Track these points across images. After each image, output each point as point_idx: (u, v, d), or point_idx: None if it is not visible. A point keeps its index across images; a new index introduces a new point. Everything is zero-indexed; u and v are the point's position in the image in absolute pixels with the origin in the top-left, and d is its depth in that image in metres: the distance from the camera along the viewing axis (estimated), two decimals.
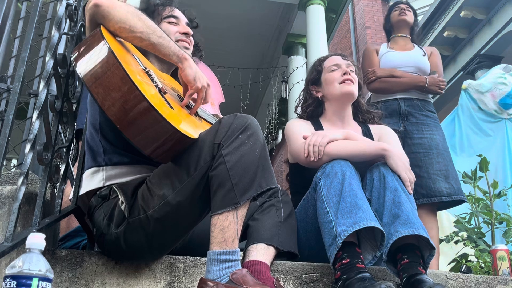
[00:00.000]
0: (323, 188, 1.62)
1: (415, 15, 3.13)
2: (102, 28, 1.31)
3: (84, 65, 1.24)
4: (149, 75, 1.37)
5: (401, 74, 2.78)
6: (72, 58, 1.30)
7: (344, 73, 2.03)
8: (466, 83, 4.08)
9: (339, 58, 2.11)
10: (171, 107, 1.32)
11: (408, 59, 2.87)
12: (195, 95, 1.45)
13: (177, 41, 1.64)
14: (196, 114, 1.53)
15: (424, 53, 2.95)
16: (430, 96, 2.88)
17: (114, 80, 1.20)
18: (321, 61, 2.17)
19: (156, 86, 1.35)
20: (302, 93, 2.23)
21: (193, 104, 1.47)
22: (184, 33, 1.69)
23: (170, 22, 1.69)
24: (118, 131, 1.23)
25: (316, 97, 2.10)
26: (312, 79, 2.15)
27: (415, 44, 3.02)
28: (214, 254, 1.23)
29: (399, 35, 3.05)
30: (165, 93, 1.36)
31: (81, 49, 1.29)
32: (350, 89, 2.01)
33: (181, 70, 1.42)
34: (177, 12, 1.73)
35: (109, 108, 1.21)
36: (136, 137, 1.23)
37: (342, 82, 2.01)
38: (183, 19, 1.73)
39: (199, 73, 1.44)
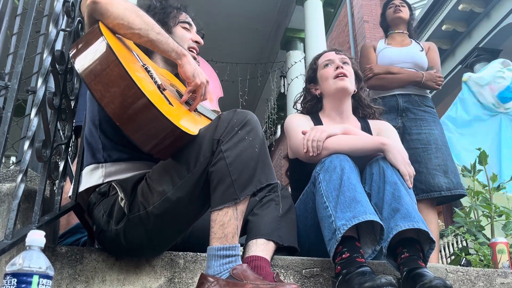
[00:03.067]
0: (322, 182, 1.62)
1: (411, 9, 3.11)
2: (100, 24, 1.31)
3: (83, 62, 1.24)
4: (148, 71, 1.37)
5: (397, 70, 2.78)
6: (70, 55, 1.29)
7: (337, 68, 2.03)
8: (467, 76, 4.11)
9: (333, 54, 2.11)
10: (170, 103, 1.32)
11: (405, 55, 2.86)
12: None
13: (189, 48, 1.67)
14: (195, 110, 1.52)
15: (422, 48, 2.94)
16: (428, 91, 2.88)
17: (113, 77, 1.19)
18: (315, 59, 2.18)
19: (155, 82, 1.35)
20: (302, 91, 2.23)
21: (193, 100, 1.47)
22: (196, 42, 1.72)
23: (185, 28, 1.72)
24: (118, 127, 1.23)
25: (315, 95, 2.11)
26: (309, 77, 2.16)
27: (412, 40, 3.02)
28: (214, 250, 1.23)
29: (396, 31, 3.05)
30: (164, 89, 1.36)
31: (80, 46, 1.28)
32: (344, 85, 2.01)
33: (180, 66, 1.42)
34: (190, 20, 1.76)
35: (108, 104, 1.21)
36: (136, 134, 1.23)
37: (336, 77, 2.01)
38: (194, 28, 1.77)
39: (198, 69, 1.44)
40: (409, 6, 3.12)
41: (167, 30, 1.60)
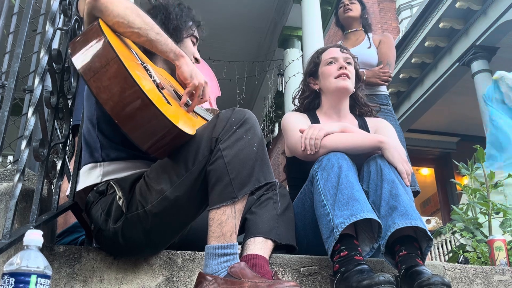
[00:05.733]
0: (320, 180, 1.62)
1: (362, 4, 3.15)
2: (100, 21, 1.30)
3: (82, 59, 1.23)
4: (147, 70, 1.37)
5: None
6: (69, 52, 1.29)
7: (340, 67, 2.02)
8: (499, 74, 4.07)
9: (337, 51, 2.10)
10: (168, 102, 1.32)
11: None
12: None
13: None
14: (192, 110, 1.52)
15: (370, 44, 2.96)
16: (383, 87, 2.90)
17: (112, 74, 1.19)
18: (319, 53, 2.16)
19: (154, 81, 1.34)
20: (300, 84, 2.22)
21: (191, 101, 1.47)
22: (195, 58, 1.75)
23: (192, 42, 1.75)
24: (116, 125, 1.23)
25: (314, 89, 2.10)
26: (310, 71, 2.14)
27: (367, 35, 3.04)
28: (212, 248, 1.23)
29: (349, 31, 3.11)
30: (162, 88, 1.36)
31: (79, 42, 1.27)
32: (345, 85, 2.00)
33: (178, 67, 1.43)
34: (198, 37, 1.80)
35: (107, 102, 1.20)
36: (134, 132, 1.22)
37: (338, 76, 2.01)
38: (196, 44, 1.80)
39: (196, 70, 1.44)
40: (360, 1, 3.15)
41: (178, 36, 1.65)
